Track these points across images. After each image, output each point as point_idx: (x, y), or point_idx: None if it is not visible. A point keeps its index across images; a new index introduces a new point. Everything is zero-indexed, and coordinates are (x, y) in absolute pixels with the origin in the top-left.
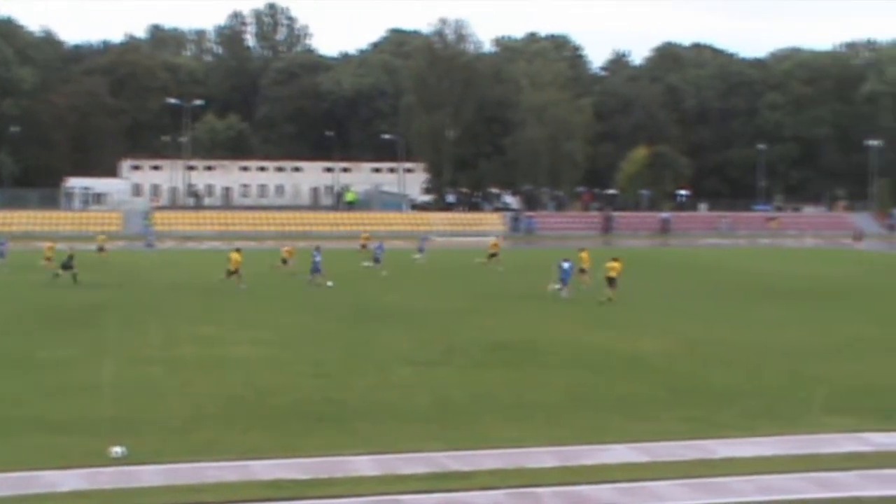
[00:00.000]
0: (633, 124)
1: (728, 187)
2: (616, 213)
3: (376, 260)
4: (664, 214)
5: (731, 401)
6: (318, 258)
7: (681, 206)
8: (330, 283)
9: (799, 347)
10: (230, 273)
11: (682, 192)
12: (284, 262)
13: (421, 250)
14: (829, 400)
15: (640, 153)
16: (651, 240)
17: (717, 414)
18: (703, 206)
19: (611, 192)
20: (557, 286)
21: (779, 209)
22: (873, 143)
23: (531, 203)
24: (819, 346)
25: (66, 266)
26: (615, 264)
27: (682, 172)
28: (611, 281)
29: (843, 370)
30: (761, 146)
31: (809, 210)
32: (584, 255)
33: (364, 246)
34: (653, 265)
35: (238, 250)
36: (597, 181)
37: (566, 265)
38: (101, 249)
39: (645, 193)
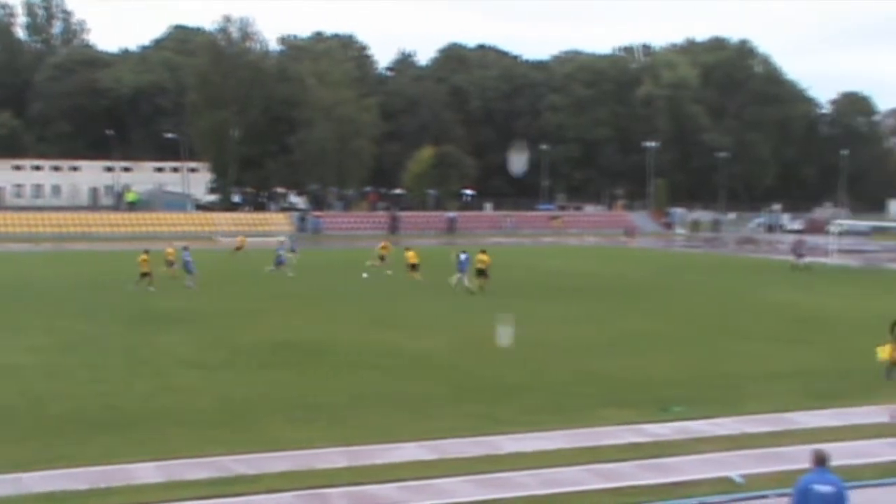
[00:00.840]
0: (419, 124)
1: (512, 187)
2: (403, 213)
3: (279, 263)
4: (450, 214)
5: (517, 396)
6: (187, 258)
7: (466, 206)
8: (190, 284)
9: (580, 343)
10: (143, 275)
11: (468, 191)
12: (171, 264)
13: (293, 250)
14: (609, 394)
15: (426, 153)
16: (438, 238)
17: (503, 410)
18: (488, 206)
19: (398, 191)
20: (457, 276)
21: (562, 208)
22: (650, 144)
23: (318, 203)
24: (599, 342)
25: None
26: (484, 257)
27: (468, 172)
28: (481, 273)
29: (622, 364)
30: (544, 147)
31: (590, 209)
32: (410, 253)
33: (239, 248)
34: (440, 264)
35: (146, 251)
36: (384, 181)
37: (463, 256)
38: None
39: (431, 193)
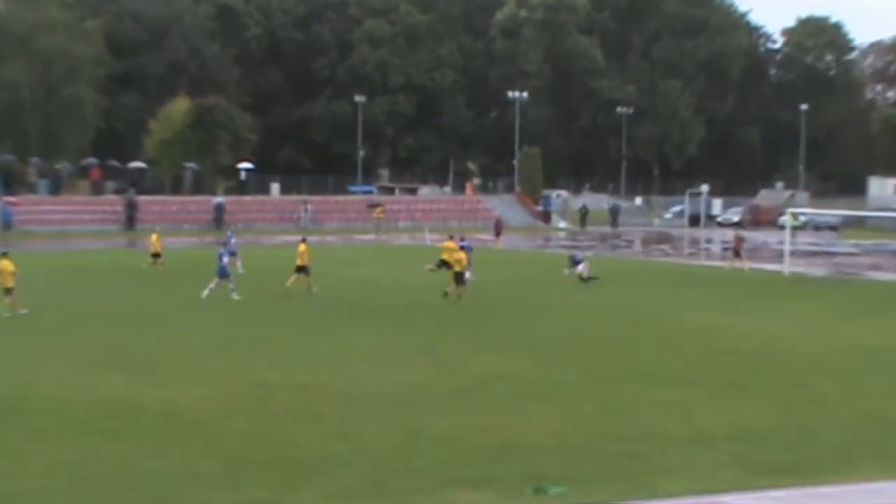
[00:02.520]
0: (169, 63)
1: (311, 158)
2: (144, 198)
3: (223, 275)
4: (217, 199)
5: (319, 473)
6: None
7: (243, 188)
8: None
9: (415, 391)
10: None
11: (245, 165)
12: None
13: (234, 253)
14: (458, 467)
15: (180, 107)
16: (200, 237)
17: (297, 495)
18: (275, 187)
19: (136, 165)
20: (430, 266)
21: (386, 190)
22: (516, 95)
23: (10, 183)
24: (442, 389)
25: None
26: (451, 244)
27: (244, 136)
28: (458, 276)
29: (475, 423)
30: (359, 98)
31: (427, 191)
32: (302, 246)
33: (157, 255)
34: (201, 274)
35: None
36: (115, 149)
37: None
38: None
39: (190, 167)
